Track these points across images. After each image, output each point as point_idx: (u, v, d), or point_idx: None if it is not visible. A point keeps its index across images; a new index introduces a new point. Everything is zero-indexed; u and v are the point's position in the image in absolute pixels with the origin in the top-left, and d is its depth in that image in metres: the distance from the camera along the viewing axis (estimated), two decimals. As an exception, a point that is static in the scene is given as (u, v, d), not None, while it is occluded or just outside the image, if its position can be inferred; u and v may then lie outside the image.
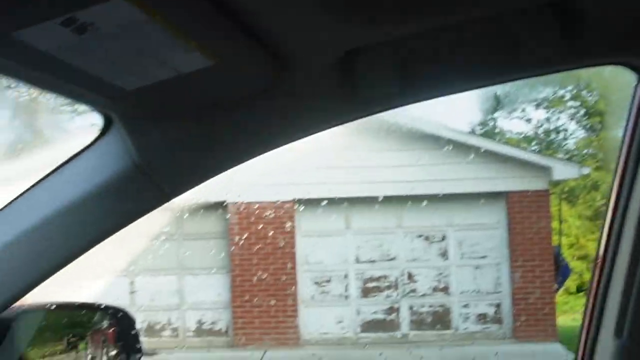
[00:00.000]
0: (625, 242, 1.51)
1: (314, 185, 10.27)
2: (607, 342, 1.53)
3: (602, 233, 1.60)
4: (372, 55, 1.17)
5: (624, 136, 1.55)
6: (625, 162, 1.50)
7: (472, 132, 18.73)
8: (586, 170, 13.43)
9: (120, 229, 1.25)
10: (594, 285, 1.59)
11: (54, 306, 1.37)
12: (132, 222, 1.25)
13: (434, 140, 10.71)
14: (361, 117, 1.31)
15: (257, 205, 10.73)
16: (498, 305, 10.91)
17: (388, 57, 1.18)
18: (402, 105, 1.31)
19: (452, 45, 1.21)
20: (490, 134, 20.19)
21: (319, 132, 1.31)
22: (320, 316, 10.84)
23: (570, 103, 20.99)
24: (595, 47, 1.26)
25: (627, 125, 1.54)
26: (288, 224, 10.82)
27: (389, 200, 10.25)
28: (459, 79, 1.27)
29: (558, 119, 21.21)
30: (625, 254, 1.50)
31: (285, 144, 1.30)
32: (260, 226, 10.74)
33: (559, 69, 1.34)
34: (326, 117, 1.29)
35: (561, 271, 10.74)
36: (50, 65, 0.92)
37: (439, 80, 1.26)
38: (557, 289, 10.93)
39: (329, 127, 1.31)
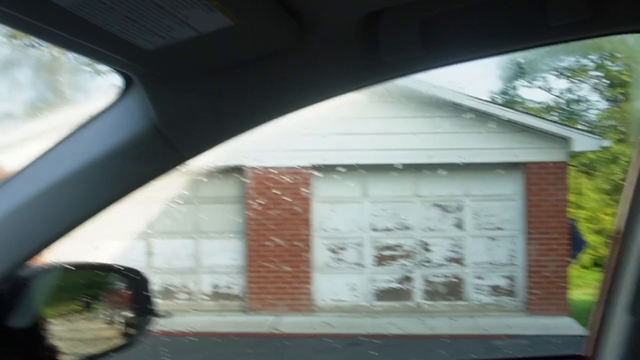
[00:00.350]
0: None
1: (332, 151, 10.26)
2: (620, 320, 1.53)
3: (621, 208, 1.58)
4: (395, 17, 1.13)
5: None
6: None
7: (493, 100, 18.57)
8: (606, 143, 13.27)
9: (137, 190, 1.25)
10: (610, 261, 1.58)
11: (71, 266, 1.37)
12: (149, 183, 1.25)
13: (454, 108, 10.61)
14: (384, 81, 1.27)
15: (274, 171, 10.74)
16: (511, 278, 10.92)
17: (411, 19, 1.14)
18: (425, 69, 1.27)
19: (478, 9, 1.17)
20: (510, 102, 19.99)
21: (340, 95, 1.27)
22: (334, 283, 10.92)
23: (593, 73, 20.68)
24: (620, 15, 1.23)
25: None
26: (305, 190, 10.84)
27: (407, 168, 10.22)
28: (484, 44, 1.22)
29: (580, 89, 20.94)
30: None
31: (306, 107, 1.27)
32: (277, 191, 10.75)
33: (584, 36, 1.29)
34: (348, 80, 1.25)
35: (576, 245, 10.69)
36: (70, 23, 0.91)
37: (464, 44, 1.21)
38: (571, 263, 10.90)
39: (351, 91, 1.27)
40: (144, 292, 1.47)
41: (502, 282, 10.94)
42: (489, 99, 16.80)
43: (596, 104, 21.17)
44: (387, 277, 11.00)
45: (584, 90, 21.02)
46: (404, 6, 1.13)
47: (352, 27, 1.12)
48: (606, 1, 1.15)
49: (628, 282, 1.52)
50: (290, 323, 10.09)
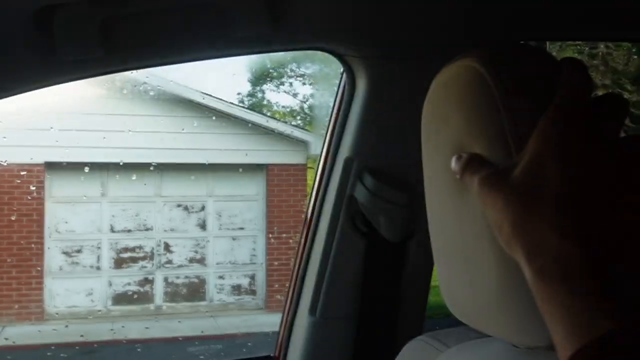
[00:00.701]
0: (322, 227, 1.62)
1: (69, 148, 9.63)
2: (303, 319, 1.66)
3: (303, 224, 1.72)
4: (72, 13, 1.06)
5: (329, 121, 1.66)
6: (325, 158, 1.62)
7: (240, 102, 18.91)
8: (342, 147, 14.22)
9: None
10: (295, 266, 1.72)
11: None
12: None
13: (200, 109, 10.63)
14: (65, 81, 1.20)
15: (0, 168, 9.82)
16: (253, 277, 11.21)
17: (90, 17, 1.07)
18: (107, 72, 1.23)
19: (162, 15, 1.15)
20: (257, 106, 20.53)
21: (15, 94, 1.16)
22: (69, 289, 10.29)
23: (335, 81, 22.04)
24: (300, 31, 1.30)
25: (332, 110, 1.65)
26: (36, 189, 10.06)
27: (148, 167, 9.98)
28: (165, 50, 1.22)
29: (322, 95, 22.19)
30: (321, 239, 1.62)
31: None
32: (4, 190, 9.85)
33: (267, 49, 1.37)
34: (24, 78, 1.15)
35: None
36: None
37: (145, 49, 1.19)
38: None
39: (27, 90, 1.18)
40: None
41: (244, 281, 11.18)
42: (236, 102, 17.12)
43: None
44: (126, 280, 10.63)
45: (325, 96, 22.32)
46: (81, 3, 1.06)
47: (25, 20, 1.03)
48: (285, 18, 1.19)
49: (310, 283, 1.64)
50: (17, 334, 9.28)
